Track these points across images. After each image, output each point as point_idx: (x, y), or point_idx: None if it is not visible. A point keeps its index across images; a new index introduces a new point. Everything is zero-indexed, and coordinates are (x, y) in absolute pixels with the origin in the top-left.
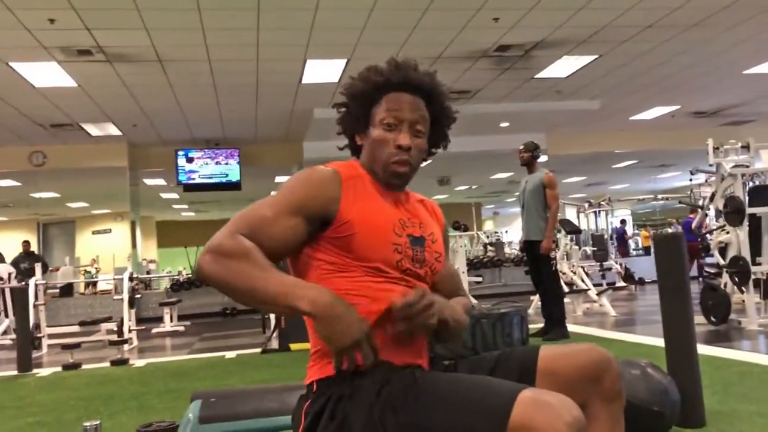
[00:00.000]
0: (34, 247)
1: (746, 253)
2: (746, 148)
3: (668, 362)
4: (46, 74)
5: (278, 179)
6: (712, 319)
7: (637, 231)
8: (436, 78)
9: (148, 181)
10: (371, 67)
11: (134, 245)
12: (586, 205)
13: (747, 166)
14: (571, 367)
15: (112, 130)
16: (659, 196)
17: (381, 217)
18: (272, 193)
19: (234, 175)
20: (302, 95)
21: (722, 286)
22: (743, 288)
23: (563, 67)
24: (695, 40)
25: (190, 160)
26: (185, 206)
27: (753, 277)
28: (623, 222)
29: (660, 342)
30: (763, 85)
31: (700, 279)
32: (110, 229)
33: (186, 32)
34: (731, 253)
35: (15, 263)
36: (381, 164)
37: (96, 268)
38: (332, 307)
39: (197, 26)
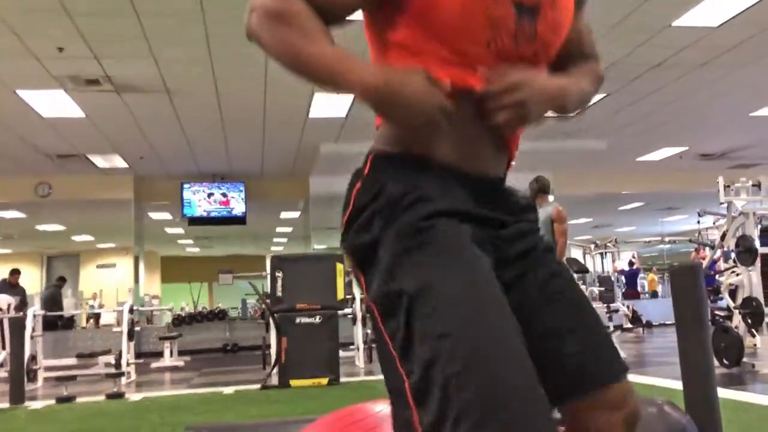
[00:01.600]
0: (38, 280)
1: (759, 294)
2: (757, 186)
3: (686, 399)
4: (53, 103)
5: (283, 215)
6: (725, 361)
7: (643, 275)
8: None
9: (154, 215)
10: None
11: (137, 280)
12: (592, 246)
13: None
14: None
15: (119, 162)
16: (666, 239)
17: None
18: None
19: (239, 210)
20: (309, 130)
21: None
22: (756, 330)
23: None
24: (702, 80)
25: (196, 193)
26: (190, 241)
27: (766, 319)
28: (632, 263)
29: (674, 384)
30: None
31: (711, 322)
32: (115, 264)
33: (194, 63)
34: (743, 294)
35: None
36: None
37: (99, 303)
38: (387, 89)
39: (206, 57)
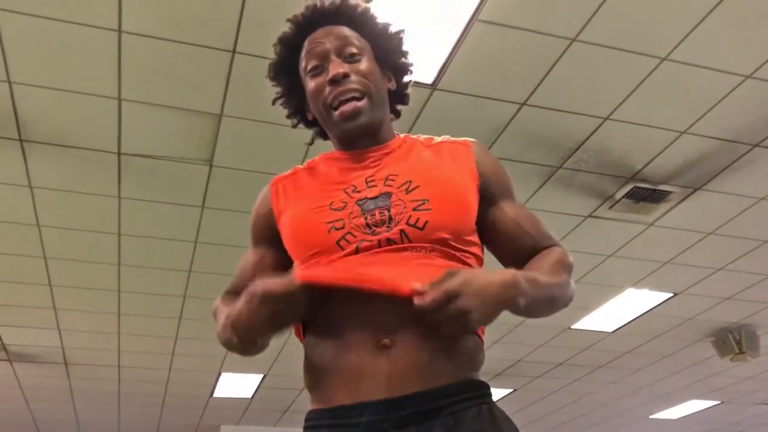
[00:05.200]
0: None
1: None
2: None
3: None
4: None
5: None
6: None
7: None
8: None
9: None
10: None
11: None
12: None
13: None
14: None
15: None
16: None
17: (311, 199)
18: None
19: None
20: (211, 410)
21: None
22: None
23: None
24: (603, 381)
25: None
26: None
27: None
28: None
29: None
30: (669, 431)
31: None
32: None
33: (100, 336)
34: None
35: None
36: (329, 119)
37: None
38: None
39: (113, 330)
